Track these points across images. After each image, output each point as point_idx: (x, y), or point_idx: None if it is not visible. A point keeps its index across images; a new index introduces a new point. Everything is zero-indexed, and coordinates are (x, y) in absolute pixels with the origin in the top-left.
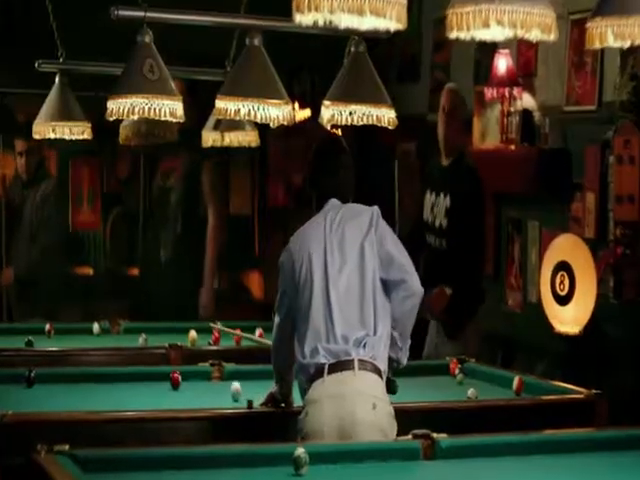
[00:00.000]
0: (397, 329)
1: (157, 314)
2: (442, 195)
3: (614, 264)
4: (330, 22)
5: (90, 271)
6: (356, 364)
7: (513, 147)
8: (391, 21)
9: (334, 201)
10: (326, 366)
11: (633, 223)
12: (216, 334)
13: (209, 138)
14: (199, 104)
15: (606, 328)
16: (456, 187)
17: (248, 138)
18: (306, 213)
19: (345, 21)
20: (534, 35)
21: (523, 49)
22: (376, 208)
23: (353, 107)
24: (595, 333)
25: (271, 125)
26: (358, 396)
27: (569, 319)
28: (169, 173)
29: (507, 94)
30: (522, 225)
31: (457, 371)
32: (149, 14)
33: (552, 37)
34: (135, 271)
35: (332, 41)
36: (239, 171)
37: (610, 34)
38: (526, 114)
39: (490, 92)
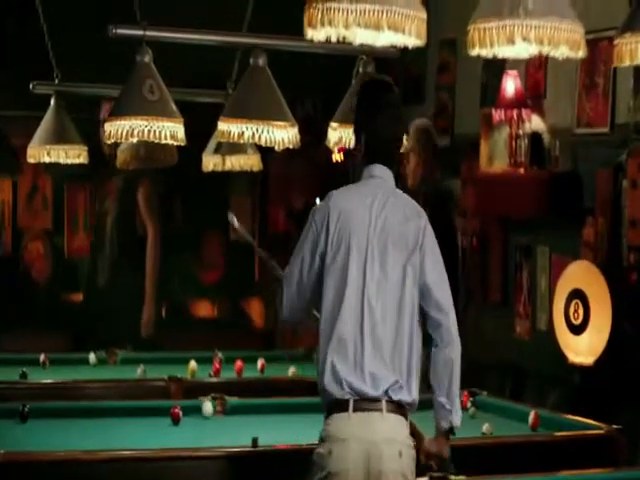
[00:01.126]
0: (440, 390)
1: (101, 338)
2: None
3: (628, 291)
4: (344, 38)
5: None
6: (384, 406)
7: (522, 170)
8: (410, 37)
9: (379, 171)
10: (351, 401)
11: None
12: (217, 365)
13: (209, 162)
14: None
15: (621, 358)
16: None
17: (250, 162)
18: None
19: (360, 37)
20: (561, 52)
21: (532, 70)
22: (425, 216)
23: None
24: (609, 363)
25: (276, 148)
26: (386, 444)
27: (583, 349)
28: (105, 197)
29: (516, 116)
30: (531, 251)
31: (469, 404)
32: (149, 33)
33: (580, 54)
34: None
35: (334, 63)
36: (239, 196)
37: None
38: (535, 137)
39: (498, 114)
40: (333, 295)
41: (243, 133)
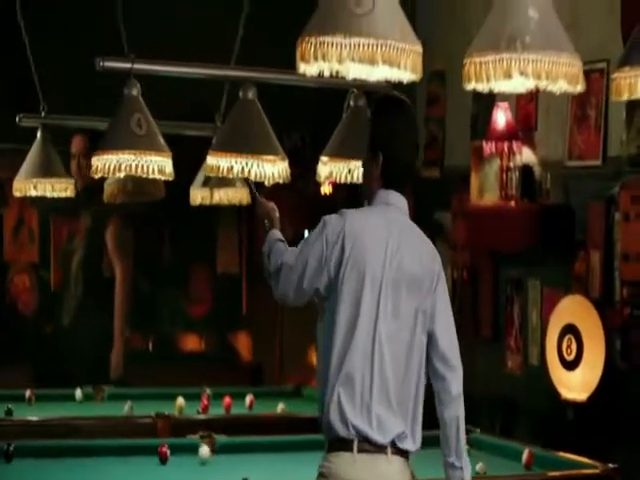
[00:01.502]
0: (448, 450)
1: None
2: None
3: (621, 326)
4: (337, 72)
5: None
6: (389, 450)
7: (513, 203)
8: (406, 71)
9: (395, 198)
10: (355, 442)
11: None
12: (205, 401)
13: (197, 196)
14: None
15: (613, 394)
16: None
17: (239, 195)
18: None
19: (354, 71)
20: (559, 87)
21: (523, 102)
22: (439, 260)
23: (353, 164)
24: (603, 399)
25: (266, 183)
26: None
27: (577, 385)
28: (72, 234)
29: (506, 149)
30: (522, 285)
31: None
32: (136, 65)
33: (579, 88)
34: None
35: (324, 96)
36: (227, 229)
37: None
38: (526, 169)
39: (489, 147)
40: (345, 324)
41: (232, 167)
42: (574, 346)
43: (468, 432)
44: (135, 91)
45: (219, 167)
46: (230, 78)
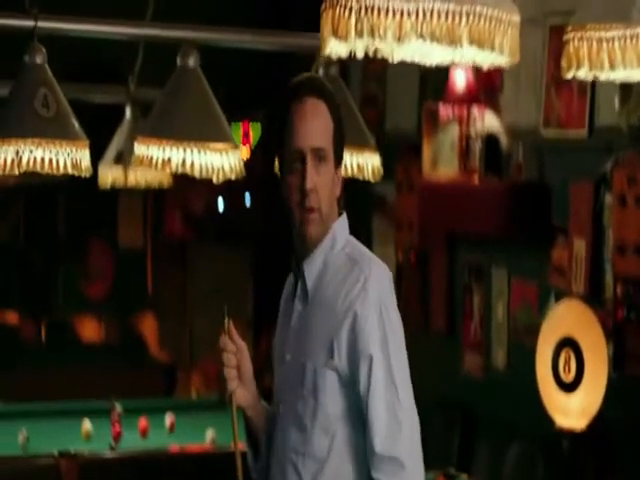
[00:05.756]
0: None
1: None
2: None
3: (613, 330)
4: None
5: None
6: None
7: (476, 179)
8: (502, 54)
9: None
10: None
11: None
12: (116, 425)
13: (107, 176)
14: None
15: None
16: None
17: (159, 177)
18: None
19: (408, 51)
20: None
21: None
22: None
23: None
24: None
25: (214, 181)
26: None
27: (575, 410)
28: None
29: (466, 113)
30: (483, 272)
31: None
32: (41, 24)
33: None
34: None
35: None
36: (129, 198)
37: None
38: (490, 139)
39: (446, 111)
40: None
41: (169, 159)
42: (573, 364)
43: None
44: (40, 58)
45: (150, 158)
46: (166, 39)
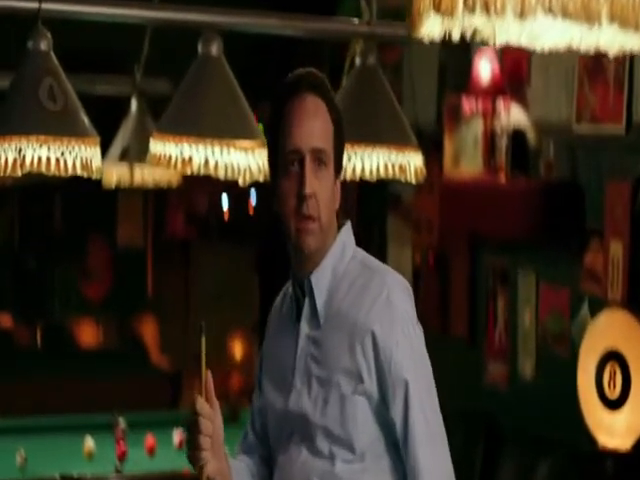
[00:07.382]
0: None
1: None
2: None
3: None
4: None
5: None
6: None
7: (502, 178)
8: None
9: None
10: None
11: None
12: (121, 443)
13: (112, 174)
14: None
15: None
16: None
17: (167, 175)
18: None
19: (530, 34)
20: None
21: (510, 47)
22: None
23: (364, 151)
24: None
25: (240, 183)
26: None
27: (620, 429)
28: None
29: (491, 107)
30: (509, 277)
31: None
32: (46, 5)
33: None
34: None
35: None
36: (129, 195)
37: None
38: (517, 135)
39: (470, 104)
40: None
41: (190, 158)
42: (619, 379)
43: None
44: (45, 44)
45: (169, 157)
46: (173, 23)
